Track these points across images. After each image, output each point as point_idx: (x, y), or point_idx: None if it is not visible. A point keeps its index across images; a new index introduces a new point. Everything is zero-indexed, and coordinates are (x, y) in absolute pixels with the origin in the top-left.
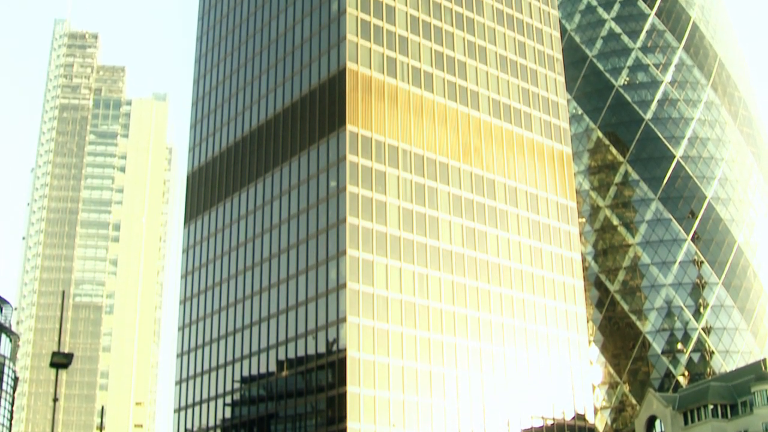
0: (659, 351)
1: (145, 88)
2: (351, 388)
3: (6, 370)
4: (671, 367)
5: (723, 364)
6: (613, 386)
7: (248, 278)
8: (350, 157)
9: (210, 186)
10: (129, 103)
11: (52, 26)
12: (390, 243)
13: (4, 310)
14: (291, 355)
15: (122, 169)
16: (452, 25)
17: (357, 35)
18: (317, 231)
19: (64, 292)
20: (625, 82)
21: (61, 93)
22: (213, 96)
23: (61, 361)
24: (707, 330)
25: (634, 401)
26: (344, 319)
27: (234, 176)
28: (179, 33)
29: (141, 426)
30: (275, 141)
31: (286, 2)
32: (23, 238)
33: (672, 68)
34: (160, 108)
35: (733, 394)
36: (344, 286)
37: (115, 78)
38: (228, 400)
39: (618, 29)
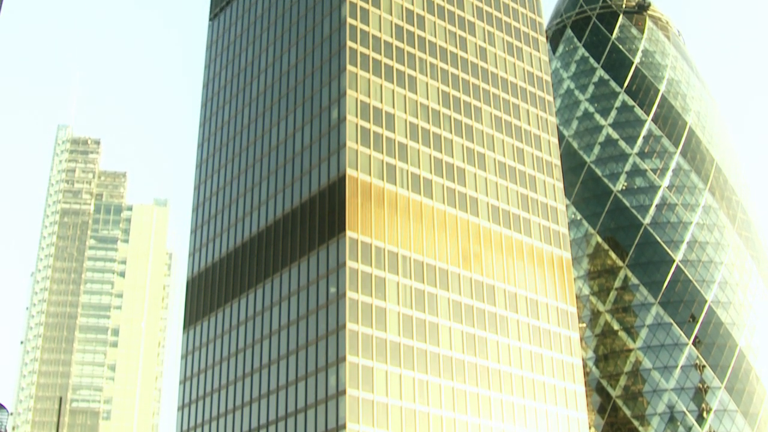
0: None
1: (146, 194)
2: None
3: None
4: None
5: None
6: None
7: (247, 384)
8: (350, 263)
9: (210, 291)
10: (130, 209)
11: (55, 131)
12: (390, 349)
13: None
14: None
15: (122, 274)
16: (451, 132)
17: (357, 142)
18: (317, 337)
19: (61, 398)
20: (623, 188)
21: (62, 198)
22: (213, 202)
23: None
24: None
25: None
26: (344, 426)
27: (234, 282)
28: (180, 139)
29: None
30: (275, 247)
31: (286, 110)
32: (21, 343)
33: (669, 173)
34: (160, 213)
35: None
36: (344, 392)
37: (117, 183)
38: None
39: (615, 135)
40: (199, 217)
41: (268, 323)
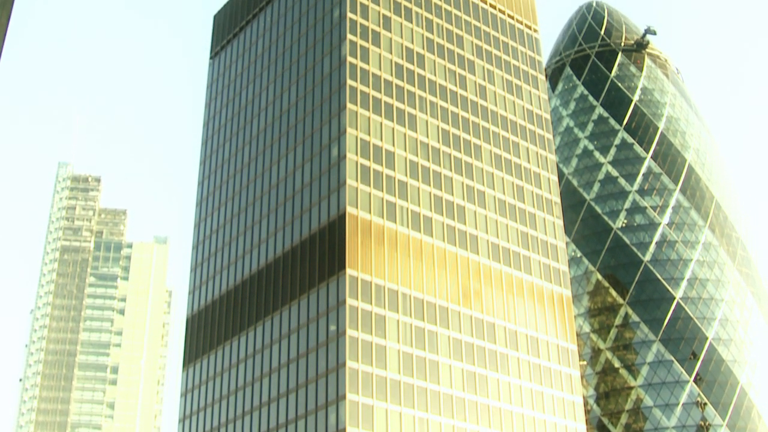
0: None
1: (146, 231)
2: None
3: None
4: None
5: None
6: None
7: (247, 422)
8: (350, 301)
9: (210, 329)
10: (130, 246)
11: (56, 169)
12: (390, 387)
13: None
14: None
15: (122, 312)
16: (451, 170)
17: (357, 180)
18: (317, 375)
19: None
20: (623, 225)
21: (62, 235)
22: (213, 239)
23: None
24: None
25: None
26: None
27: (233, 320)
28: (181, 177)
29: None
30: (275, 285)
31: (287, 148)
32: (20, 380)
33: (669, 210)
34: (160, 251)
35: None
36: (344, 430)
37: (117, 221)
38: None
39: (615, 172)
40: (200, 255)
41: (268, 361)
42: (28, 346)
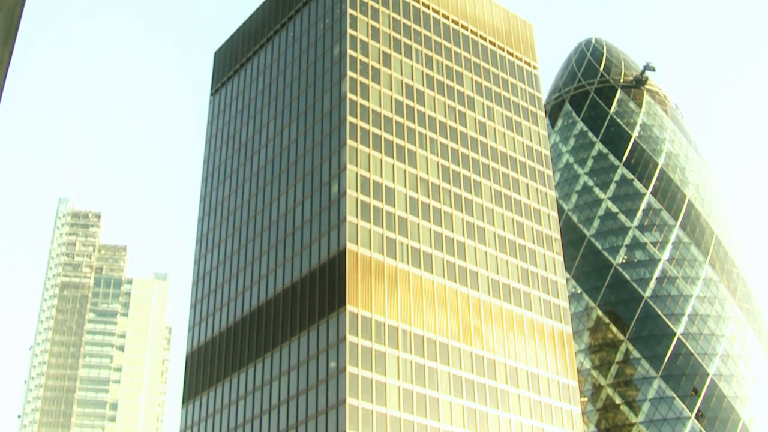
0: None
1: (145, 267)
2: None
3: None
4: None
5: None
6: None
7: None
8: (350, 338)
9: (209, 366)
10: (129, 282)
11: (56, 205)
12: (390, 424)
13: None
14: None
15: (121, 348)
16: (451, 206)
17: (357, 217)
18: (317, 412)
19: None
20: (624, 261)
21: (62, 271)
22: (213, 276)
23: None
24: None
25: None
26: None
27: (233, 356)
28: (181, 213)
29: None
30: (275, 321)
31: (287, 184)
32: (18, 416)
33: (669, 246)
34: (160, 287)
35: None
36: None
37: (117, 257)
38: None
39: (615, 208)
40: (200, 291)
41: (268, 398)
42: (27, 382)
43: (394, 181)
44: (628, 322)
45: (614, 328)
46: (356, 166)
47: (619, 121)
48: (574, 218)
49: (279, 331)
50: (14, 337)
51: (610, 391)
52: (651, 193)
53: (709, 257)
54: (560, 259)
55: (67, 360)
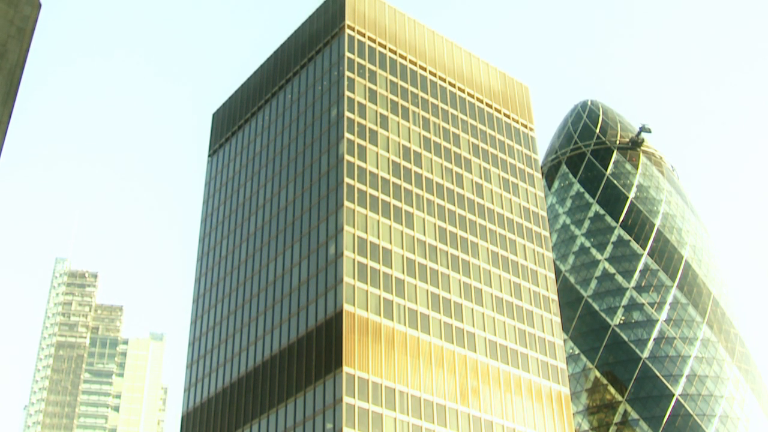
0: None
1: (141, 328)
2: None
3: None
4: None
5: None
6: None
7: None
8: (347, 400)
9: (205, 427)
10: (125, 342)
11: (53, 264)
12: None
13: None
14: None
15: (116, 409)
16: (448, 268)
17: (354, 278)
18: None
19: None
20: (621, 322)
21: (58, 330)
22: (210, 336)
23: None
24: None
25: None
26: None
27: (230, 418)
28: (177, 273)
29: None
30: (271, 383)
31: (284, 245)
32: None
33: (667, 307)
34: (156, 348)
35: None
36: None
37: (113, 317)
38: None
39: (612, 269)
40: (196, 352)
41: None
42: None
43: (391, 243)
44: (627, 383)
45: (612, 390)
46: (353, 227)
47: (615, 182)
48: (572, 279)
49: (276, 392)
50: (8, 397)
51: None
52: (648, 254)
53: (706, 318)
54: (557, 320)
55: (62, 420)
